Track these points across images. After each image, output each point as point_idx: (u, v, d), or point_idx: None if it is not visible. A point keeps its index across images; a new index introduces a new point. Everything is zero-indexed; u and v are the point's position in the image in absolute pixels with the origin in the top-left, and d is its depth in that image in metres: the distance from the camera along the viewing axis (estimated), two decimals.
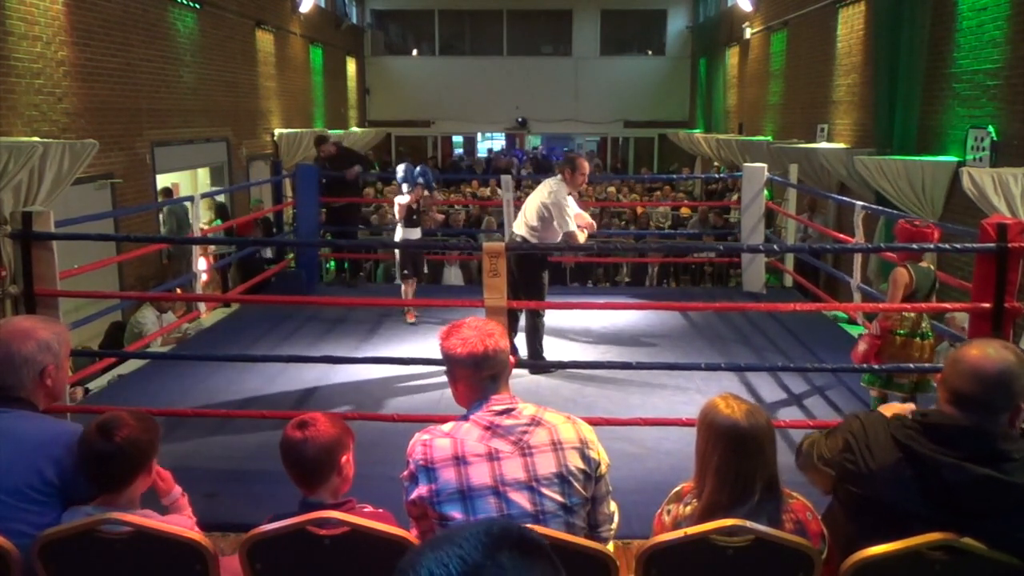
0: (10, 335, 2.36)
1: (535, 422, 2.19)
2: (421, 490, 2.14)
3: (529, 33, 23.79)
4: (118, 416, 2.25)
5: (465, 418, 2.22)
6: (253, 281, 7.90)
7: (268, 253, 9.84)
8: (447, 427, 2.22)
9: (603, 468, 2.23)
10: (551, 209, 5.55)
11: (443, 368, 2.31)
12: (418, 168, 6.96)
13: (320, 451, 2.22)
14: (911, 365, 4.13)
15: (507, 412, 2.19)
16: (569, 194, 5.67)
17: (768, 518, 2.07)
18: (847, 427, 2.19)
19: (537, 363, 5.54)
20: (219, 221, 10.60)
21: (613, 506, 2.34)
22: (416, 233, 6.98)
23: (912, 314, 4.29)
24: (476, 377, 2.22)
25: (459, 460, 2.13)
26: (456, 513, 2.11)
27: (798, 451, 2.34)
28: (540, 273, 5.76)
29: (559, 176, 5.71)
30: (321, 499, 2.25)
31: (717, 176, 13.50)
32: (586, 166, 5.80)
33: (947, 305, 5.10)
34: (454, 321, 2.32)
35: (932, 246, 4.54)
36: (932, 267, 4.45)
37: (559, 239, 5.61)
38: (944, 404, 2.09)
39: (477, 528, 0.96)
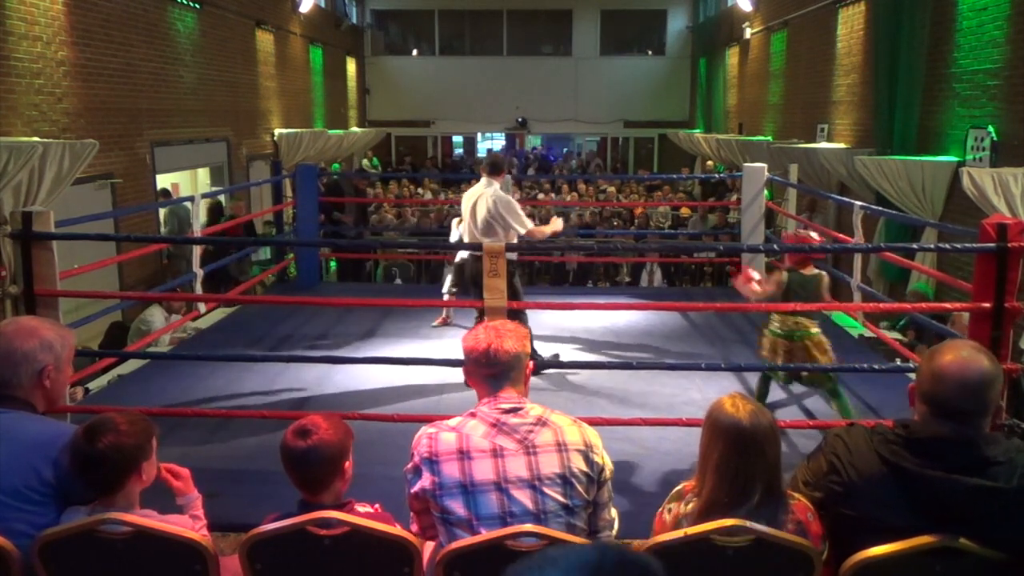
0: (14, 332, 2.36)
1: (541, 422, 2.21)
2: (424, 482, 2.16)
3: (529, 33, 23.79)
4: (106, 420, 2.23)
5: (472, 414, 2.24)
6: (252, 281, 7.90)
7: (267, 254, 9.85)
8: (453, 422, 2.25)
9: (607, 473, 2.24)
10: (504, 215, 5.27)
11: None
12: None
13: (325, 460, 2.21)
14: (876, 365, 4.13)
15: (514, 411, 2.21)
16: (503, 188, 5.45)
17: (768, 520, 2.07)
18: (830, 448, 2.17)
19: (537, 362, 5.54)
20: (206, 222, 10.58)
21: (614, 512, 2.35)
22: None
23: (786, 316, 4.35)
24: (480, 373, 2.26)
25: (463, 454, 2.15)
26: (458, 507, 2.13)
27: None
28: (512, 279, 5.45)
29: (490, 181, 5.41)
30: (322, 501, 2.25)
31: (717, 176, 13.48)
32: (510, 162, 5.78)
33: (947, 305, 5.11)
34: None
35: (932, 246, 4.57)
36: (820, 275, 4.49)
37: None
38: (920, 412, 2.08)
39: (590, 555, 0.89)
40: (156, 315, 6.79)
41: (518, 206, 5.38)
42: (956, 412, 2.02)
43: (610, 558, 0.89)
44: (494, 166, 5.56)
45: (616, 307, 6.63)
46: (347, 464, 2.28)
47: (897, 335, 6.54)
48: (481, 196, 5.40)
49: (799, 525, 2.10)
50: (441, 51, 23.79)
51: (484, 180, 5.48)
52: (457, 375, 5.16)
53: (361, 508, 2.29)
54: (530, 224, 5.41)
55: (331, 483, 2.25)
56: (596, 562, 0.88)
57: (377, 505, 2.36)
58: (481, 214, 5.38)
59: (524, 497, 2.12)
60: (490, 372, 2.24)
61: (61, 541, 2.14)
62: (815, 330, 4.36)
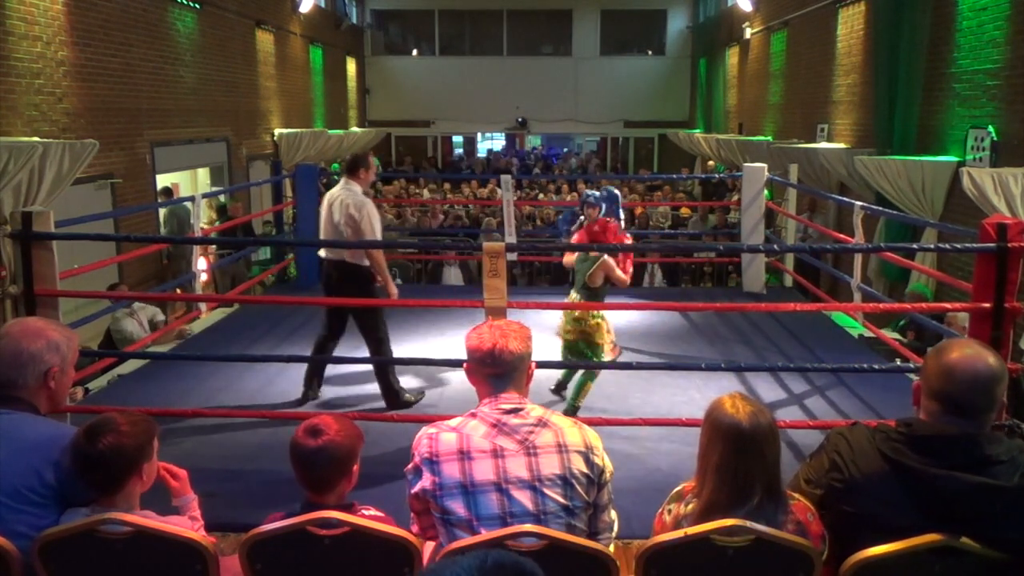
0: (21, 332, 2.36)
1: (542, 423, 2.21)
2: (424, 483, 2.16)
3: (529, 33, 23.79)
4: (108, 420, 2.22)
5: (473, 414, 2.24)
6: (252, 281, 7.91)
7: (267, 254, 9.85)
8: (454, 422, 2.24)
9: (607, 475, 2.24)
10: (355, 219, 4.82)
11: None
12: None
13: (333, 461, 2.21)
14: (876, 366, 4.12)
15: (515, 412, 2.21)
16: (365, 192, 5.03)
17: (768, 520, 2.07)
18: (832, 446, 2.18)
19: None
20: (218, 221, 10.61)
21: (613, 515, 2.35)
22: None
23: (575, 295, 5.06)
24: (483, 373, 2.26)
25: (464, 455, 2.15)
26: (459, 507, 2.12)
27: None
28: (372, 295, 5.00)
29: (348, 182, 4.95)
30: (326, 502, 2.24)
31: (717, 176, 13.47)
32: (373, 161, 5.20)
33: (948, 305, 5.11)
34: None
35: (932, 246, 4.57)
36: (599, 259, 4.90)
37: (362, 256, 4.88)
38: (929, 409, 2.08)
39: (471, 561, 0.94)
40: (125, 322, 6.76)
41: (375, 216, 4.92)
42: (967, 408, 2.02)
43: (492, 558, 0.95)
44: (351, 166, 5.04)
45: (616, 307, 6.63)
46: (355, 467, 2.27)
47: (896, 335, 6.54)
48: (337, 198, 4.94)
49: (799, 525, 2.10)
50: (441, 51, 23.78)
51: (343, 181, 5.00)
52: (456, 375, 5.18)
53: (367, 511, 2.28)
54: (379, 236, 4.99)
55: (337, 484, 2.25)
56: (478, 565, 0.94)
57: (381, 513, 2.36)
58: (335, 217, 4.91)
59: (524, 498, 2.12)
60: (493, 372, 2.24)
61: (61, 541, 2.14)
62: (594, 319, 4.92)
